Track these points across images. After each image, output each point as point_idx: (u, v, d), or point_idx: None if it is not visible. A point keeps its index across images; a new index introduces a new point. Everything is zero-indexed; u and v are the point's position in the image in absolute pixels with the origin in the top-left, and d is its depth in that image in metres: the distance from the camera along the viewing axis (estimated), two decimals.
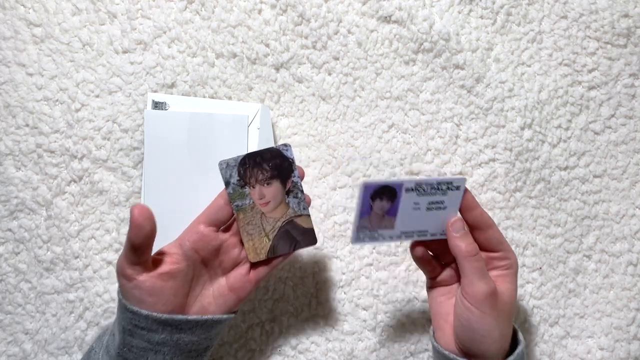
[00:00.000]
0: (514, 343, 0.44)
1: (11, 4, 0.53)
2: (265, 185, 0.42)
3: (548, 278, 0.56)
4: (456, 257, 0.42)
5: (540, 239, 0.56)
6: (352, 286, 0.54)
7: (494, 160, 0.56)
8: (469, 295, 0.40)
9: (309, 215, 0.44)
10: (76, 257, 0.52)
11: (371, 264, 0.55)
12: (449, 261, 0.46)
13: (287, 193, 0.43)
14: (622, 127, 0.58)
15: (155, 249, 0.52)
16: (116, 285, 0.52)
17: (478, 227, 0.43)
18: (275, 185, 0.42)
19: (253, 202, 0.43)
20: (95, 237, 0.53)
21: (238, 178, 0.42)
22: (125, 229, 0.53)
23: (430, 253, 0.45)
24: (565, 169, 0.57)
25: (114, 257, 0.53)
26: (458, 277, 0.44)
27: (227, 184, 0.42)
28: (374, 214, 0.41)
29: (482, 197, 0.56)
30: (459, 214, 0.43)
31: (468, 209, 0.43)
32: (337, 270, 0.54)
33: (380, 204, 0.41)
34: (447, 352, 0.43)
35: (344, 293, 0.54)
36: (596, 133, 0.58)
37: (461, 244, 0.41)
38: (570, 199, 0.57)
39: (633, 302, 0.56)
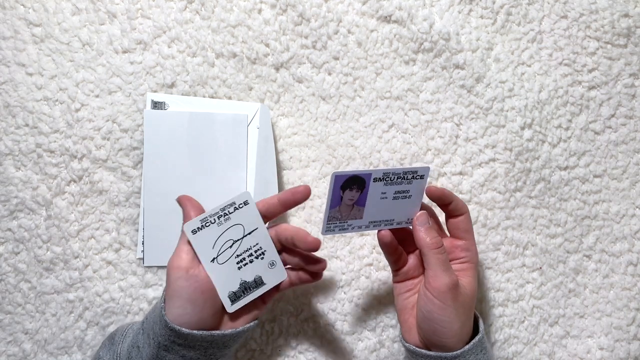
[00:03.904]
0: (475, 332, 0.45)
1: (11, 4, 0.53)
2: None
3: (548, 278, 0.56)
4: (421, 250, 0.43)
5: (540, 239, 0.56)
6: (352, 286, 0.54)
7: (494, 160, 0.56)
8: (432, 287, 0.42)
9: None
10: (76, 257, 0.52)
11: (371, 264, 0.55)
12: (412, 250, 0.47)
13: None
14: (622, 127, 0.58)
15: (156, 247, 0.52)
16: (115, 284, 0.52)
17: (452, 215, 0.45)
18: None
19: None
20: (95, 237, 0.53)
21: None
22: (124, 229, 0.53)
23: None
24: (565, 169, 0.57)
25: (114, 257, 0.53)
26: (423, 269, 0.46)
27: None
28: (344, 205, 0.42)
29: (482, 197, 0.56)
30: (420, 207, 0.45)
31: (445, 203, 0.44)
32: (337, 270, 0.54)
33: (350, 194, 0.42)
34: (408, 345, 0.45)
35: (344, 293, 0.54)
36: (596, 133, 0.58)
37: (426, 237, 0.43)
38: (570, 199, 0.57)
39: (633, 302, 0.56)
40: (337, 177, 0.41)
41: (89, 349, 0.53)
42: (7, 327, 0.53)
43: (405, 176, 0.43)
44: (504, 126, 0.56)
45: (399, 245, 0.46)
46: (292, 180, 0.55)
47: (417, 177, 0.43)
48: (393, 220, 0.45)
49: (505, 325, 0.55)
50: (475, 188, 0.56)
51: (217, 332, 0.42)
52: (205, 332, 0.41)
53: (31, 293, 0.53)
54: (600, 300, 0.57)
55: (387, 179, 0.42)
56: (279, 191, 0.53)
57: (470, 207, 0.55)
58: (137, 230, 0.53)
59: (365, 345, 0.54)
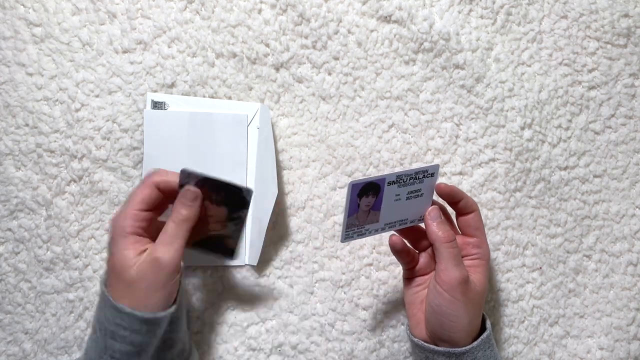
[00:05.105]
0: (482, 330, 0.46)
1: (11, 4, 0.53)
2: (214, 204, 0.44)
3: (548, 278, 0.56)
4: (433, 244, 0.44)
5: (540, 239, 0.56)
6: (352, 286, 0.54)
7: (494, 160, 0.56)
8: (442, 281, 0.42)
9: (236, 240, 0.46)
10: (76, 257, 0.52)
11: (371, 264, 0.55)
12: (424, 248, 0.48)
13: (231, 219, 0.45)
14: (622, 127, 0.58)
15: None
16: None
17: (461, 212, 0.46)
18: (222, 209, 0.44)
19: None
20: (95, 237, 0.53)
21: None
22: None
23: (406, 242, 0.47)
24: (565, 168, 0.57)
25: None
26: (434, 267, 0.46)
27: (181, 186, 0.42)
28: (361, 211, 0.43)
29: (482, 197, 0.56)
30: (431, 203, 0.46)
31: (457, 201, 0.45)
32: (337, 270, 0.54)
33: (366, 200, 0.43)
34: (416, 340, 0.45)
35: (344, 293, 0.54)
36: (596, 133, 0.58)
37: (438, 231, 0.44)
38: (570, 199, 0.57)
39: (633, 302, 0.56)
40: (354, 186, 0.41)
41: None
42: (7, 327, 0.53)
43: (417, 176, 0.44)
44: (504, 126, 0.56)
45: (411, 247, 0.47)
46: (292, 180, 0.55)
47: (428, 175, 0.44)
48: (407, 219, 0.46)
49: (505, 325, 0.55)
50: (475, 188, 0.56)
51: (161, 313, 0.39)
52: (148, 314, 0.39)
53: (31, 293, 0.53)
54: (600, 300, 0.57)
55: (400, 182, 0.43)
56: (279, 191, 0.53)
57: None
58: None
59: (365, 345, 0.54)
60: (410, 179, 0.43)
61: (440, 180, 0.56)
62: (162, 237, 0.40)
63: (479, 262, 0.46)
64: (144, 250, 0.40)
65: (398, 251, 0.46)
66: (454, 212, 0.48)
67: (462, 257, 0.45)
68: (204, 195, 0.43)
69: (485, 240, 0.46)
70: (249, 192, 0.44)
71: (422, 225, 0.47)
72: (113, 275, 0.40)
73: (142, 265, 0.39)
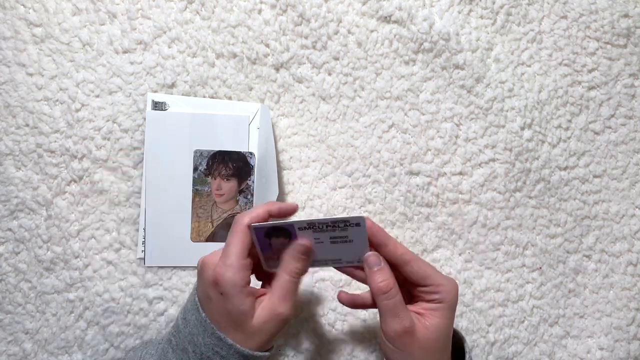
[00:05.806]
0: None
1: (11, 4, 0.53)
2: (224, 180, 0.51)
3: (548, 278, 0.56)
4: (371, 293, 0.41)
5: (540, 239, 0.56)
6: (352, 286, 0.54)
7: (494, 160, 0.56)
8: (383, 331, 0.40)
9: None
10: (76, 257, 0.53)
11: None
12: None
13: (240, 192, 0.51)
14: (622, 127, 0.58)
15: (157, 247, 0.52)
16: (116, 284, 0.52)
17: (394, 263, 0.41)
18: (233, 183, 0.51)
19: (210, 190, 0.51)
20: (96, 237, 0.53)
21: (205, 167, 0.51)
22: (125, 229, 0.53)
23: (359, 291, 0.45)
24: (565, 169, 0.57)
25: (114, 256, 0.53)
26: (407, 300, 0.43)
27: (195, 169, 0.50)
28: (276, 248, 0.41)
29: (482, 197, 0.56)
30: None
31: (379, 245, 0.41)
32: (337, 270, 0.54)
33: (277, 240, 0.41)
34: None
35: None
36: (596, 133, 0.58)
37: (376, 279, 0.40)
38: (570, 199, 0.57)
39: (633, 302, 0.56)
40: (255, 229, 0.40)
41: (89, 349, 0.53)
42: (8, 327, 0.53)
43: (336, 225, 0.40)
44: (503, 126, 0.56)
45: (365, 296, 0.44)
46: (292, 180, 0.55)
47: (352, 225, 0.40)
48: (341, 259, 0.42)
49: (505, 325, 0.55)
50: (475, 188, 0.56)
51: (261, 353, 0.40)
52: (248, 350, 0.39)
53: (31, 293, 0.53)
54: (600, 300, 0.57)
55: (314, 228, 0.40)
56: (279, 191, 0.53)
57: (470, 207, 0.55)
58: (137, 230, 0.53)
59: (365, 345, 0.54)
60: (326, 227, 0.40)
61: (441, 180, 0.56)
62: (281, 292, 0.40)
63: (438, 306, 0.41)
64: (258, 297, 0.41)
65: (346, 305, 0.45)
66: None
67: (420, 301, 0.42)
68: (216, 171, 0.50)
69: (442, 282, 0.41)
70: (252, 155, 0.47)
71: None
72: (226, 319, 0.39)
73: (263, 319, 0.40)
